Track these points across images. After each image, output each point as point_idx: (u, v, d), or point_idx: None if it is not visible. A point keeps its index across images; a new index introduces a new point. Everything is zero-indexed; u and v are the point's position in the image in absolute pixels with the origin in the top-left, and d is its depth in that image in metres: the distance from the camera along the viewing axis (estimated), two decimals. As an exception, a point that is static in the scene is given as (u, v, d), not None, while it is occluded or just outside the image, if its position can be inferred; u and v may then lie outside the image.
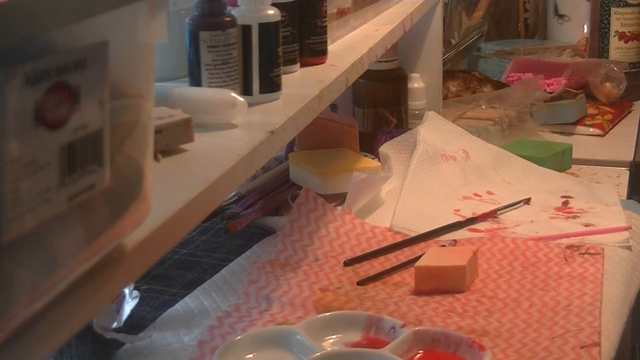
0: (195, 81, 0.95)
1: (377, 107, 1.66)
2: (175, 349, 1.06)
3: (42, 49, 0.47)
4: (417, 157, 1.45)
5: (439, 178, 1.46)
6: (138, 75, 0.59)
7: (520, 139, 1.69)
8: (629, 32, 2.12)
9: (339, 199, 1.38)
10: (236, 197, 1.42)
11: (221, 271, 1.24)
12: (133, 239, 0.61)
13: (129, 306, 1.08)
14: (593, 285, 1.16)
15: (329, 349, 1.01)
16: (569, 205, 1.42)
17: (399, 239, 1.30)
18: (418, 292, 1.16)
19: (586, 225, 1.33)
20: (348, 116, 1.62)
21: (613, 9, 2.12)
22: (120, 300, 1.08)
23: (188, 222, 0.71)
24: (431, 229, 1.32)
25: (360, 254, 1.26)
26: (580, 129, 1.85)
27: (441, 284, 1.15)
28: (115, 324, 1.06)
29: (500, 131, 1.69)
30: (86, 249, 0.54)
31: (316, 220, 1.30)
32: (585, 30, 2.21)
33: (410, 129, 1.58)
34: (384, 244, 1.29)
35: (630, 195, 1.52)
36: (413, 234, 1.31)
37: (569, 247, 1.25)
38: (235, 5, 0.99)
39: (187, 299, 1.17)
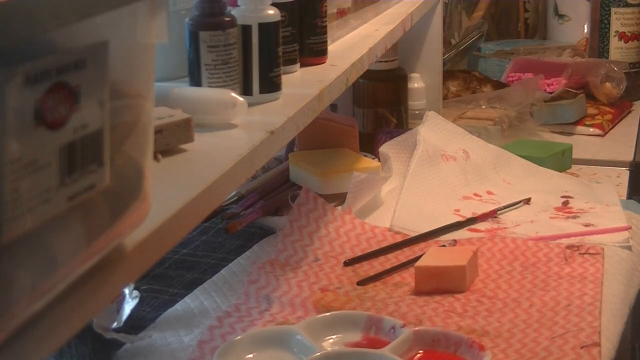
0: (195, 81, 0.95)
1: (377, 107, 1.66)
2: (175, 349, 1.06)
3: (42, 49, 0.47)
4: (417, 157, 1.45)
5: (439, 178, 1.46)
6: (138, 75, 0.59)
7: (520, 139, 1.69)
8: (629, 32, 2.12)
9: (339, 199, 1.38)
10: (236, 197, 1.42)
11: (221, 271, 1.24)
12: (133, 239, 0.61)
13: (129, 306, 1.08)
14: (593, 285, 1.16)
15: (329, 349, 1.01)
16: (569, 205, 1.42)
17: (399, 239, 1.30)
18: (418, 292, 1.16)
19: (586, 225, 1.33)
20: (348, 116, 1.62)
21: (613, 9, 2.12)
22: (120, 300, 1.08)
23: (188, 222, 0.71)
24: (431, 229, 1.32)
25: (360, 254, 1.26)
26: (580, 129, 1.85)
27: (441, 284, 1.15)
28: (115, 324, 1.06)
29: (500, 131, 1.69)
30: (86, 249, 0.54)
31: (316, 220, 1.30)
32: (585, 30, 2.21)
33: (410, 129, 1.58)
34: (384, 244, 1.29)
35: (630, 195, 1.52)
36: (413, 234, 1.31)
37: (569, 247, 1.25)
38: (235, 5, 0.99)
39: (187, 299, 1.17)
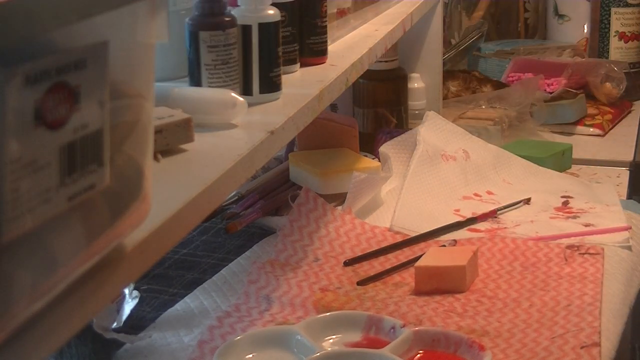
0: (195, 81, 0.95)
1: (377, 107, 1.66)
2: (175, 349, 1.06)
3: (42, 49, 0.47)
4: (417, 157, 1.45)
5: (439, 178, 1.46)
6: (138, 75, 0.59)
7: (520, 139, 1.69)
8: (629, 32, 2.12)
9: (339, 199, 1.38)
10: (236, 197, 1.42)
11: (221, 271, 1.24)
12: (133, 239, 0.61)
13: (129, 306, 1.08)
14: (593, 285, 1.16)
15: (329, 349, 1.01)
16: (569, 205, 1.42)
17: (399, 239, 1.30)
18: (418, 292, 1.16)
19: (586, 225, 1.33)
20: (348, 116, 1.62)
21: (613, 9, 2.12)
22: (120, 300, 1.08)
23: (188, 222, 0.71)
24: (431, 229, 1.32)
25: (360, 254, 1.26)
26: (580, 129, 1.85)
27: (441, 284, 1.15)
28: (115, 324, 1.06)
29: (500, 131, 1.69)
30: (86, 249, 0.54)
31: (316, 220, 1.30)
32: (585, 30, 2.21)
33: (410, 129, 1.58)
34: (384, 244, 1.29)
35: (630, 195, 1.52)
36: (413, 234, 1.31)
37: (569, 247, 1.25)
38: (235, 5, 0.99)
39: (187, 299, 1.17)
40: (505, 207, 1.40)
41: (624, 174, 1.61)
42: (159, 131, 0.80)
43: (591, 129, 1.84)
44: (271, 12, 0.99)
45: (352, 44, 1.25)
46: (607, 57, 2.13)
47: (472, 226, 1.35)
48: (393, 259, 1.25)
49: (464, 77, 1.94)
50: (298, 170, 1.43)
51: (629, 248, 1.28)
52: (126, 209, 0.58)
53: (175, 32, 0.95)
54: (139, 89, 0.59)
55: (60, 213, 0.49)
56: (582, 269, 1.20)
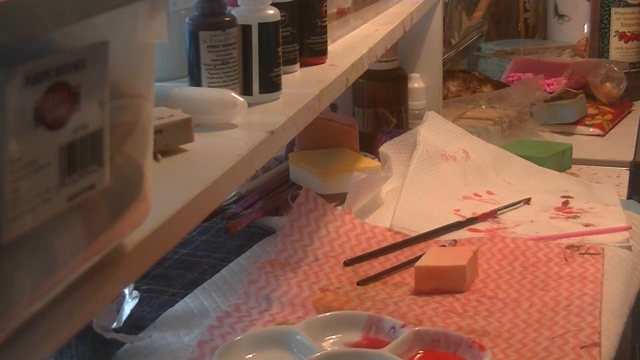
0: (195, 81, 0.95)
1: (377, 107, 1.66)
2: (175, 349, 1.06)
3: (42, 49, 0.47)
4: (417, 157, 1.45)
5: (439, 178, 1.46)
6: (138, 75, 0.59)
7: (520, 139, 1.69)
8: (629, 32, 2.12)
9: (339, 199, 1.38)
10: (236, 197, 1.42)
11: (221, 271, 1.24)
12: (133, 239, 0.61)
13: (129, 306, 1.08)
14: (593, 285, 1.16)
15: (329, 349, 1.01)
16: (569, 205, 1.42)
17: (399, 239, 1.30)
18: (418, 292, 1.16)
19: (586, 225, 1.33)
20: (348, 116, 1.62)
21: (613, 9, 2.12)
22: (120, 300, 1.08)
23: (188, 222, 0.71)
24: (431, 229, 1.32)
25: (360, 254, 1.26)
26: (580, 129, 1.85)
27: (441, 284, 1.15)
28: (115, 324, 1.06)
29: (500, 131, 1.69)
30: (86, 249, 0.54)
31: (316, 220, 1.30)
32: (585, 30, 2.21)
33: (410, 129, 1.58)
34: (384, 244, 1.29)
35: (630, 195, 1.52)
36: (413, 234, 1.31)
37: (569, 247, 1.25)
38: (235, 5, 0.99)
39: (187, 299, 1.17)
40: (505, 207, 1.40)
41: (624, 174, 1.61)
42: (159, 131, 0.80)
43: (591, 129, 1.84)
44: (271, 12, 0.99)
45: (352, 44, 1.25)
46: (607, 57, 2.13)
47: (472, 226, 1.35)
48: (393, 259, 1.25)
49: (464, 77, 1.94)
50: (298, 170, 1.43)
51: (629, 248, 1.28)
52: (126, 209, 0.58)
53: (175, 32, 0.95)
54: (139, 89, 0.59)
55: (60, 213, 0.49)
56: (582, 269, 1.20)
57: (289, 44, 1.08)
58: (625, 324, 1.13)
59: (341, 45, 1.24)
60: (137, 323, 1.11)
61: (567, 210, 1.40)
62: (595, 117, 1.87)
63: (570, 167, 1.64)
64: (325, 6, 1.14)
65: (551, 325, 1.07)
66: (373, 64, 1.39)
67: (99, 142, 0.52)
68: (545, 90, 1.88)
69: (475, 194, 1.47)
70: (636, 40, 2.13)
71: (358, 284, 1.18)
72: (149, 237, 0.63)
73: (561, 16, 2.24)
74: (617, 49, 2.13)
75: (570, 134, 1.83)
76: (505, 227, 1.34)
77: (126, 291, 1.09)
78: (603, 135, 1.84)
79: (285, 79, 1.02)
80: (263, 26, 0.98)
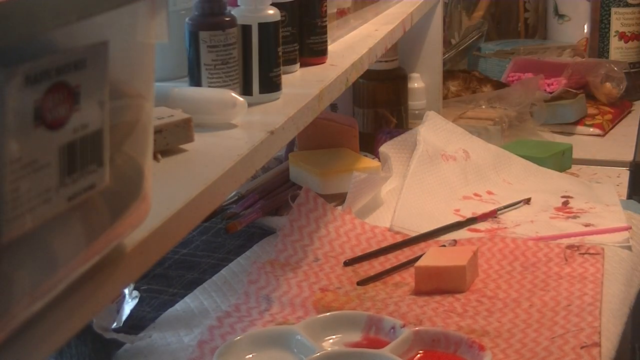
0: (195, 81, 0.95)
1: (377, 107, 1.66)
2: (175, 349, 1.06)
3: (42, 49, 0.47)
4: (417, 157, 1.45)
5: (439, 178, 1.46)
6: (138, 75, 0.59)
7: (520, 139, 1.69)
8: (629, 32, 2.12)
9: (339, 199, 1.38)
10: (236, 197, 1.42)
11: (221, 271, 1.24)
12: (133, 239, 0.61)
13: (128, 306, 1.08)
14: (593, 286, 1.16)
15: (329, 349, 1.01)
16: (569, 205, 1.42)
17: (399, 239, 1.30)
18: (418, 292, 1.16)
19: (586, 225, 1.33)
20: (348, 116, 1.62)
21: (613, 9, 2.12)
22: (120, 300, 1.08)
23: (188, 222, 0.71)
24: (431, 229, 1.32)
25: (360, 254, 1.26)
26: (580, 129, 1.85)
27: (441, 284, 1.15)
28: (115, 324, 1.06)
29: (500, 131, 1.69)
30: (86, 249, 0.54)
31: (316, 220, 1.30)
32: (585, 30, 2.21)
33: (410, 129, 1.58)
34: (384, 244, 1.29)
35: (630, 195, 1.52)
36: (413, 234, 1.31)
37: (569, 247, 1.25)
38: (235, 5, 0.99)
39: (187, 299, 1.17)
40: (505, 207, 1.40)
41: (624, 174, 1.61)
42: (159, 131, 0.80)
43: (591, 129, 1.84)
44: (271, 12, 0.99)
45: (352, 44, 1.25)
46: (607, 57, 2.13)
47: (472, 226, 1.35)
48: (393, 259, 1.25)
49: (464, 77, 1.94)
50: (298, 170, 1.43)
51: (629, 248, 1.28)
52: (126, 209, 0.58)
53: (175, 32, 0.95)
54: (139, 89, 0.59)
55: (60, 213, 0.49)
56: (582, 269, 1.20)
57: (289, 44, 1.08)
58: (625, 324, 1.13)
59: (341, 45, 1.24)
60: (137, 323, 1.11)
61: (567, 210, 1.40)
62: (595, 117, 1.87)
63: (570, 167, 1.64)
64: (325, 6, 1.14)
65: (551, 325, 1.07)
66: (373, 64, 1.39)
67: (99, 142, 0.52)
68: (545, 90, 1.88)
69: (475, 194, 1.47)
70: (636, 40, 2.13)
71: (358, 284, 1.18)
72: (149, 237, 0.63)
73: (561, 16, 2.24)
74: (617, 49, 2.13)
75: (570, 134, 1.83)
76: (505, 227, 1.34)
77: (126, 291, 1.09)
78: (603, 135, 1.84)
79: (285, 79, 1.02)
80: (263, 26, 0.98)
